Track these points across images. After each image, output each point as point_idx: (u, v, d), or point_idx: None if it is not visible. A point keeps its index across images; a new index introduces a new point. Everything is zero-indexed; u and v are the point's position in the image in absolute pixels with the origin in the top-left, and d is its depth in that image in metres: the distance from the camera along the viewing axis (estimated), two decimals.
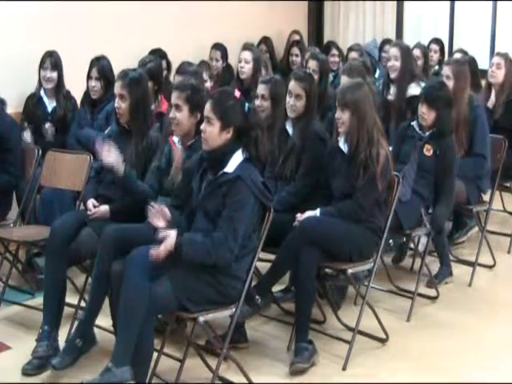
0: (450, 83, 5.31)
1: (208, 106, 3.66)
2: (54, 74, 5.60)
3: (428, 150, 4.87)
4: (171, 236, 3.53)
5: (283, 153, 4.53)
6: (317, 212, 4.21)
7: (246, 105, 3.69)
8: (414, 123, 5.01)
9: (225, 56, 7.39)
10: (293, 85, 4.56)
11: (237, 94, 3.70)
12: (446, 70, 5.47)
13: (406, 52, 5.85)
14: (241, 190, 3.58)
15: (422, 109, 4.86)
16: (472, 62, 6.21)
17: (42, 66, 5.62)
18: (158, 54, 6.36)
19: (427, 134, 4.91)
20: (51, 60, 5.58)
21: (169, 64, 6.49)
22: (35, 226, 4.90)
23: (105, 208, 4.27)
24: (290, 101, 4.55)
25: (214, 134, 3.63)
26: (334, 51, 7.68)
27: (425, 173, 4.84)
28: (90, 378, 3.57)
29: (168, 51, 6.59)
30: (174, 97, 4.10)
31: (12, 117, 5.21)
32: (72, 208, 5.09)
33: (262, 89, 4.65)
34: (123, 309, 3.51)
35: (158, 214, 3.63)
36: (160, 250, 3.51)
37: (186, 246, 3.53)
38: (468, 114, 5.32)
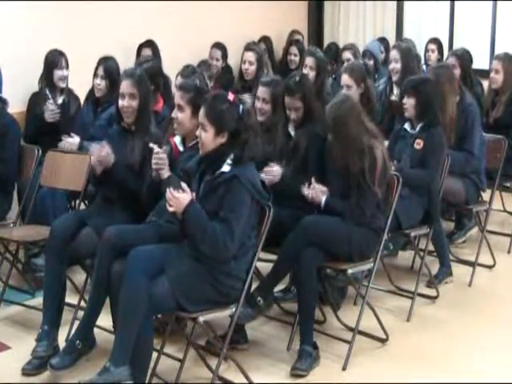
0: None
1: (201, 112, 3.65)
2: (68, 73, 5.68)
3: (418, 144, 4.89)
4: (188, 194, 3.53)
5: (286, 154, 4.50)
6: (323, 198, 4.19)
7: (241, 107, 3.66)
8: (406, 125, 5.03)
9: (225, 56, 7.38)
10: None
11: (230, 97, 3.68)
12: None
13: (405, 53, 5.85)
14: (237, 190, 3.57)
15: (404, 100, 4.93)
16: (463, 57, 6.16)
17: (56, 66, 5.64)
18: (147, 45, 6.54)
19: (417, 129, 4.94)
20: (65, 59, 5.67)
21: (156, 52, 6.53)
22: (35, 225, 4.88)
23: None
24: (289, 107, 4.49)
25: (208, 139, 3.63)
26: None
27: (416, 166, 4.84)
28: (88, 379, 3.57)
29: (168, 51, 6.59)
30: (178, 97, 4.08)
31: (12, 116, 5.19)
32: (65, 206, 5.09)
33: (263, 92, 4.59)
34: (122, 308, 3.52)
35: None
36: (177, 195, 3.51)
37: (194, 212, 3.53)
38: (458, 115, 5.29)
